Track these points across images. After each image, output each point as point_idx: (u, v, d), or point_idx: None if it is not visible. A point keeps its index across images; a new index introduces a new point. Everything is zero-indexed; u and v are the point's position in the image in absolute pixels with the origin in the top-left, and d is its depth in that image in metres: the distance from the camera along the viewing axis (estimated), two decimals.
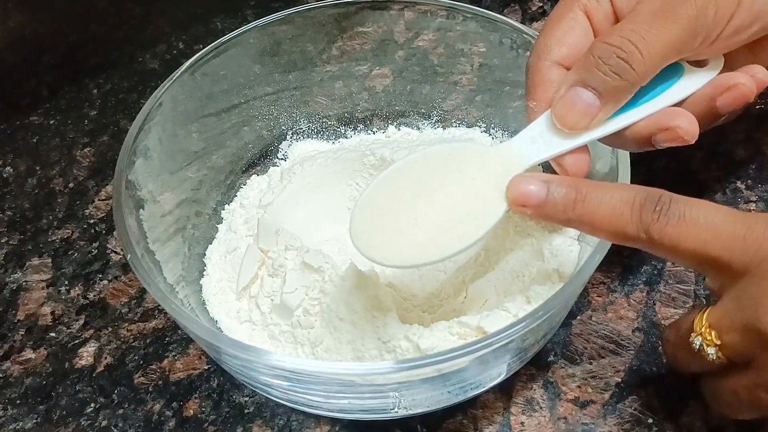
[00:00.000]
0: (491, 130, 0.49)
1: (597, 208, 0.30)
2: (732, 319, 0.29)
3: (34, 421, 0.40)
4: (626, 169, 0.35)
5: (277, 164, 0.49)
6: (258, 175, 0.49)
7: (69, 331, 0.44)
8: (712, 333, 0.29)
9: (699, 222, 0.29)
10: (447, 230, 0.31)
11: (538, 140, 0.33)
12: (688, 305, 0.42)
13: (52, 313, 0.46)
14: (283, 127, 0.50)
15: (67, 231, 0.50)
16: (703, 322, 0.30)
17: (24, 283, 0.47)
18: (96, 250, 0.49)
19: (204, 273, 0.43)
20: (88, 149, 0.56)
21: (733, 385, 0.30)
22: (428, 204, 0.32)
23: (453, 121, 0.50)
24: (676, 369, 0.34)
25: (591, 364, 0.40)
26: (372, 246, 0.31)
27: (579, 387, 0.39)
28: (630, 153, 0.36)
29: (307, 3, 0.49)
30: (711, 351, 0.29)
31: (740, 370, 0.30)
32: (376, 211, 0.32)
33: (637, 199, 0.29)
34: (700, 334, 0.30)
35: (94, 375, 0.42)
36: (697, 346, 0.30)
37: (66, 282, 0.47)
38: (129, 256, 0.34)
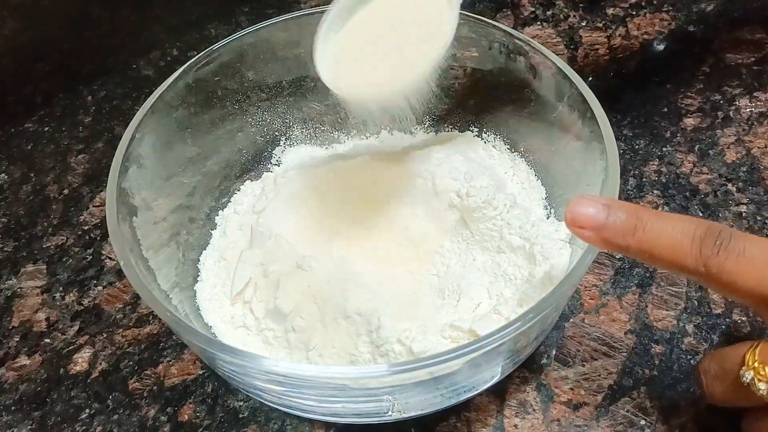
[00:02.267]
0: (483, 135, 0.49)
1: (657, 238, 0.30)
2: None
3: (29, 427, 0.40)
4: (615, 175, 0.35)
5: (271, 170, 0.50)
6: (252, 180, 0.49)
7: (64, 337, 0.45)
8: (766, 368, 0.29)
9: (758, 259, 0.29)
10: (402, 59, 0.36)
11: None
12: (680, 307, 0.42)
13: (47, 319, 0.46)
14: (276, 133, 0.50)
15: (62, 237, 0.50)
16: (756, 356, 0.29)
17: (19, 290, 0.47)
18: (90, 257, 0.49)
19: (198, 279, 0.43)
20: (83, 156, 0.56)
21: None
22: (383, 37, 0.36)
23: (446, 125, 0.51)
24: (713, 401, 0.33)
25: (584, 366, 0.40)
26: (337, 78, 0.36)
27: (572, 389, 0.39)
28: (619, 159, 0.36)
29: (301, 9, 0.49)
30: (762, 387, 0.29)
31: None
32: (338, 46, 0.37)
33: (698, 232, 0.29)
34: (753, 368, 0.29)
35: (88, 381, 0.42)
36: (747, 381, 0.29)
37: (61, 288, 0.47)
38: (122, 263, 0.34)
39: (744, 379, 0.30)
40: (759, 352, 0.29)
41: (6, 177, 0.55)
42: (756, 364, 0.29)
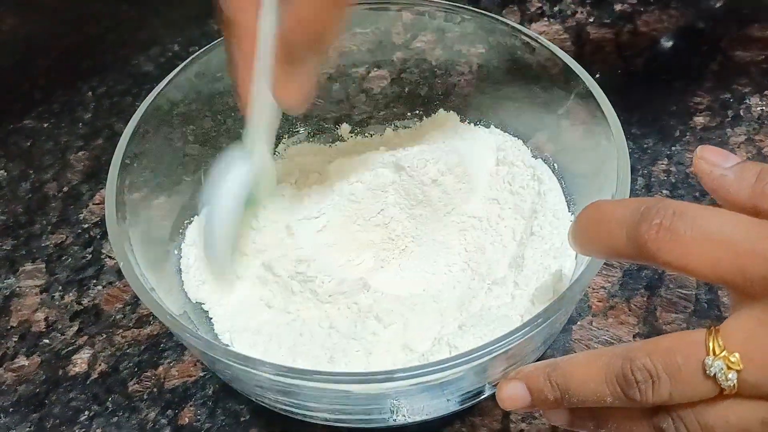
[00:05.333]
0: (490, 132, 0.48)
1: (595, 233, 0.28)
2: (761, 343, 0.25)
3: (27, 429, 0.40)
4: (626, 174, 0.34)
5: None
6: None
7: (63, 337, 0.44)
8: (736, 355, 0.24)
9: (712, 236, 0.25)
10: None
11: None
12: (689, 310, 0.41)
13: (46, 319, 0.45)
14: (279, 130, 0.49)
15: (61, 236, 0.50)
16: (720, 343, 0.25)
17: (17, 289, 0.47)
18: (90, 255, 0.48)
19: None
20: (83, 153, 0.55)
21: (746, 419, 0.25)
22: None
23: None
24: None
25: None
26: None
27: None
28: (630, 158, 0.35)
29: None
30: (732, 377, 0.24)
31: (751, 401, 0.25)
32: None
33: (630, 214, 0.26)
34: (722, 357, 0.24)
35: (88, 382, 0.42)
36: (714, 372, 0.24)
37: (60, 288, 0.46)
38: (122, 264, 0.33)
39: (709, 370, 0.25)
40: (722, 338, 0.25)
41: (5, 174, 0.54)
42: (724, 353, 0.24)
